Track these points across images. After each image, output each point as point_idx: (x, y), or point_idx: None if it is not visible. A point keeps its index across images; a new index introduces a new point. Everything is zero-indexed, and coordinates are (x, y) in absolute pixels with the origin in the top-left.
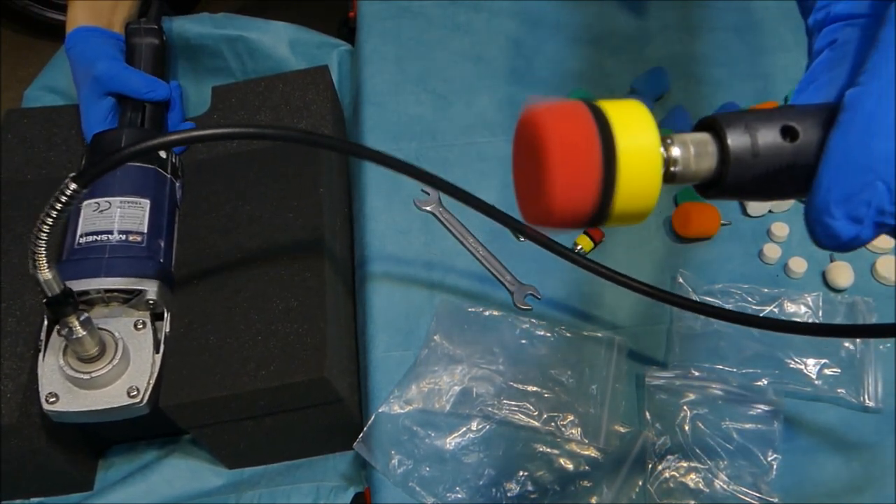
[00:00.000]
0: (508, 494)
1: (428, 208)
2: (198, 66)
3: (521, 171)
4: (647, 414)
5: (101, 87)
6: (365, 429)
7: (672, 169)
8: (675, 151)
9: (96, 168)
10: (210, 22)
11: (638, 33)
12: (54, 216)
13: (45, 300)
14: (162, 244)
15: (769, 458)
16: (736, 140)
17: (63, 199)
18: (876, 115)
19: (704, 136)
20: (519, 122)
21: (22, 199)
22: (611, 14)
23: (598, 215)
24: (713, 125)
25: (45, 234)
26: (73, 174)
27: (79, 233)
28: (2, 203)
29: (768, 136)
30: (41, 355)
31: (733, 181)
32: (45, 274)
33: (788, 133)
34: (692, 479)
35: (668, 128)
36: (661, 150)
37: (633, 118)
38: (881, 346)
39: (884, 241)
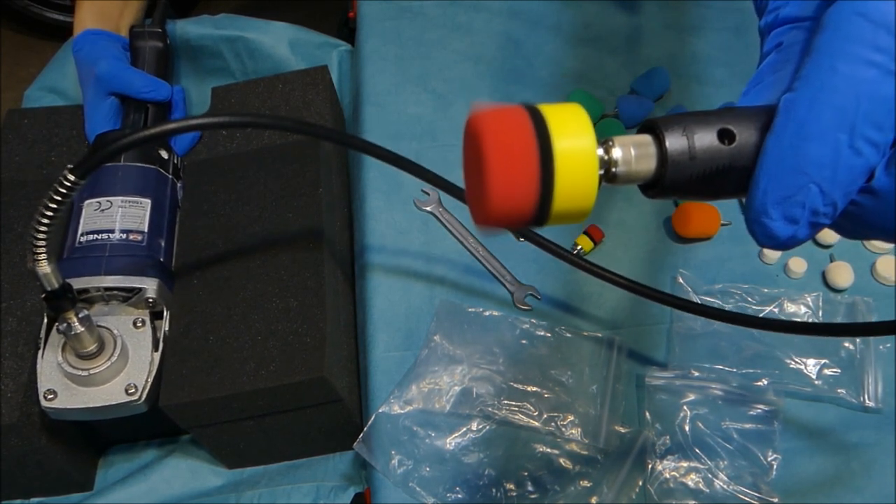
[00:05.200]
0: (508, 494)
1: (428, 208)
2: (198, 66)
3: (468, 174)
4: (647, 414)
5: (104, 86)
6: (365, 429)
7: (613, 170)
8: (616, 153)
9: (94, 158)
10: (210, 23)
11: (638, 33)
12: (53, 208)
13: (43, 295)
14: (162, 243)
15: (769, 458)
16: (674, 143)
17: (62, 190)
18: (808, 121)
19: (645, 138)
20: (465, 126)
21: (22, 199)
22: (611, 14)
23: (539, 215)
24: (653, 128)
25: (44, 228)
26: (70, 165)
27: (79, 232)
28: (2, 203)
29: (705, 139)
30: (40, 352)
31: (671, 182)
32: (44, 268)
33: (726, 136)
34: (692, 479)
35: None
36: (601, 151)
37: (571, 121)
38: (881, 347)
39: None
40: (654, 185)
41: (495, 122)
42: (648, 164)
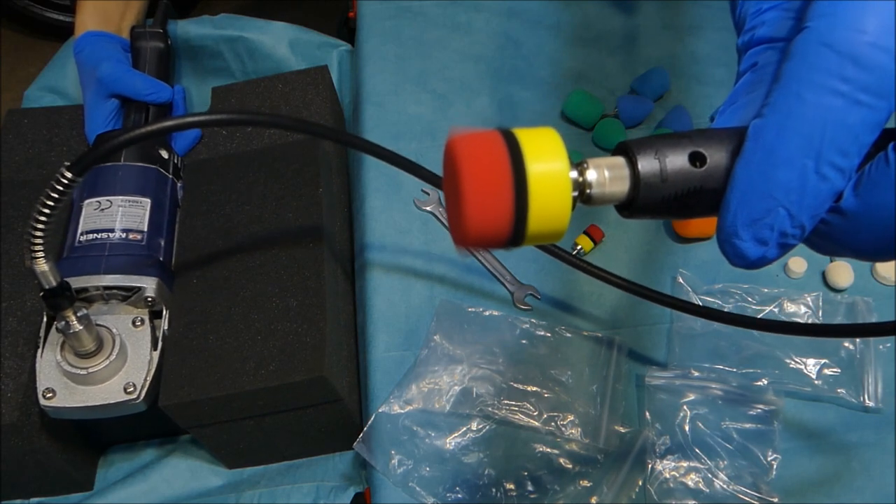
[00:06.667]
0: (508, 494)
1: (428, 208)
2: (199, 66)
3: (448, 196)
4: (647, 414)
5: (105, 88)
6: (365, 429)
7: (588, 191)
8: (591, 175)
9: (90, 155)
10: (210, 23)
11: (637, 33)
12: (50, 206)
13: (41, 293)
14: (162, 243)
15: (769, 458)
16: (646, 165)
17: (58, 188)
18: (776, 147)
19: (619, 161)
20: (444, 149)
21: (22, 199)
22: (611, 14)
23: (514, 237)
24: (627, 150)
25: (41, 225)
26: (67, 163)
27: (79, 231)
28: (2, 203)
29: (677, 162)
30: (39, 351)
31: (644, 203)
32: (42, 265)
33: (697, 159)
34: (692, 479)
35: (668, 127)
36: (575, 174)
37: (544, 145)
38: (881, 346)
39: None
40: (627, 206)
41: (471, 146)
42: (622, 186)
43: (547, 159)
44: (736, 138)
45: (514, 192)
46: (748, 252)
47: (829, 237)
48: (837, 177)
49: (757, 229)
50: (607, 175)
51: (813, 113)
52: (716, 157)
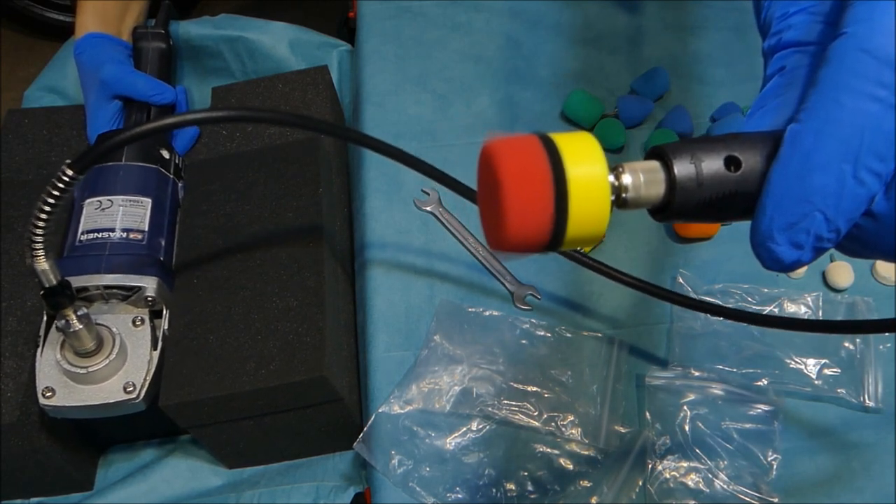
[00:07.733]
0: (508, 494)
1: (428, 208)
2: (198, 66)
3: (483, 200)
4: (647, 414)
5: (108, 90)
6: (365, 429)
7: (624, 195)
8: (626, 179)
9: (92, 153)
10: (210, 23)
11: (638, 33)
12: (51, 203)
13: (41, 291)
14: (162, 242)
15: (769, 458)
16: (682, 169)
17: (60, 185)
18: (813, 152)
19: (654, 165)
20: (480, 155)
21: (22, 199)
22: (611, 14)
23: (553, 241)
24: (662, 154)
25: (41, 223)
26: (68, 161)
27: (80, 230)
28: (2, 203)
29: (712, 166)
30: (39, 350)
31: (679, 207)
32: (42, 264)
33: (732, 163)
34: (692, 479)
35: (669, 128)
36: (612, 178)
37: (583, 150)
38: (881, 346)
39: None
40: (662, 210)
41: (510, 150)
42: (657, 190)
43: (586, 163)
44: (770, 142)
45: (554, 196)
46: (783, 256)
47: (860, 240)
48: (874, 181)
49: (793, 233)
50: (643, 179)
51: (851, 118)
52: (750, 161)
